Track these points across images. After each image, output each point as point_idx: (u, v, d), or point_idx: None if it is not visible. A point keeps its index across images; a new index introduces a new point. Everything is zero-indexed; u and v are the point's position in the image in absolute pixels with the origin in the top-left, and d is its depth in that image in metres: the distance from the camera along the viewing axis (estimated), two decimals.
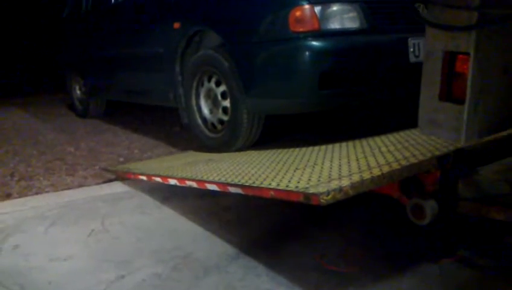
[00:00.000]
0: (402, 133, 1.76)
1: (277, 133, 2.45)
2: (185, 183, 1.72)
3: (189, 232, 1.65)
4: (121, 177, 2.29)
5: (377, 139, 1.76)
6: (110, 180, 2.33)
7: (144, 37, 3.02)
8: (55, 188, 2.26)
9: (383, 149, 1.53)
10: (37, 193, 2.20)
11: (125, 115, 4.49)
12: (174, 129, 3.54)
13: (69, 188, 2.25)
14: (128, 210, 1.89)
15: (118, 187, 2.21)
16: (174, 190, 2.09)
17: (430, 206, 1.21)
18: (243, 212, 1.80)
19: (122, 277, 1.35)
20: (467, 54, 0.98)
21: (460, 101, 1.00)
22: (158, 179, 1.90)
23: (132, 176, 2.14)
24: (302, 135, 2.32)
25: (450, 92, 1.02)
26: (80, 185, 2.28)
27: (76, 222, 1.79)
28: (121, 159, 2.71)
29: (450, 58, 1.01)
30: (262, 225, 1.69)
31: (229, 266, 1.38)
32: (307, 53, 1.89)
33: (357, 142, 1.79)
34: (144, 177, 2.02)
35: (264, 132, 2.30)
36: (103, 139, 3.38)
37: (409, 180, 1.31)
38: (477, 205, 1.20)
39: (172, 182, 1.79)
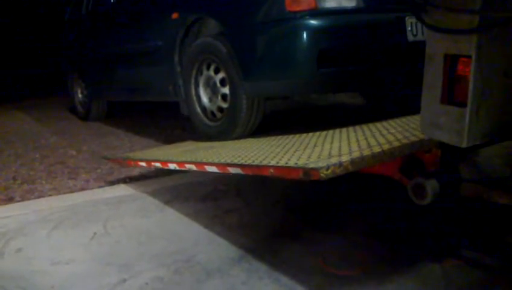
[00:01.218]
0: (403, 119, 1.76)
1: (276, 125, 2.45)
2: (184, 166, 1.72)
3: (191, 235, 1.65)
4: (121, 165, 2.30)
5: (378, 124, 1.76)
6: (112, 183, 2.34)
7: (143, 31, 3.05)
8: (58, 191, 2.27)
9: (384, 132, 1.53)
10: (39, 197, 2.20)
11: (127, 118, 4.50)
12: (175, 132, 3.55)
13: (71, 192, 2.25)
14: (131, 213, 1.90)
15: (120, 190, 2.21)
16: (176, 193, 2.10)
17: (431, 186, 1.21)
18: (245, 215, 1.80)
19: (124, 280, 1.35)
20: (469, 57, 0.98)
21: (462, 104, 1.00)
22: (158, 165, 1.91)
23: (132, 163, 2.16)
24: (301, 126, 2.32)
25: (452, 95, 1.02)
26: (82, 189, 2.28)
27: (79, 225, 1.80)
28: None
29: (452, 61, 1.01)
30: (264, 228, 1.69)
31: (231, 269, 1.38)
32: (305, 32, 1.90)
33: (357, 127, 1.78)
34: (144, 164, 2.03)
35: (262, 123, 2.31)
36: (105, 142, 3.39)
37: (410, 160, 1.31)
38: (479, 187, 1.20)
39: (172, 166, 1.80)
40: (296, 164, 1.23)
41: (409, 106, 1.87)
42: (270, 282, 1.29)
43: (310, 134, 1.85)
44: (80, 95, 4.56)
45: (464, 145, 1.00)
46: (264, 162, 1.35)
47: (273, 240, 1.59)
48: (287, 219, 1.79)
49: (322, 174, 1.08)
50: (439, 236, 1.54)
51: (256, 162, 1.38)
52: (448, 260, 1.37)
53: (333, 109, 4.10)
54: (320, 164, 1.13)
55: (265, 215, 1.81)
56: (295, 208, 1.90)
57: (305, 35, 1.89)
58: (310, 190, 2.13)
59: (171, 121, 4.05)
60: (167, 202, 1.99)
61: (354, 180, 2.16)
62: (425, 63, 1.06)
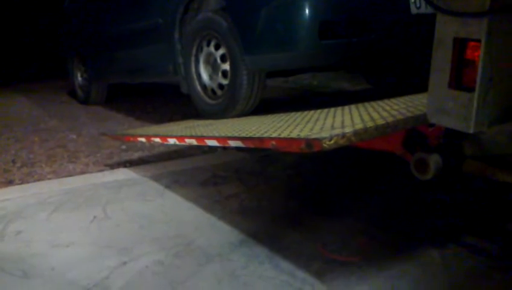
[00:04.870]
0: (406, 97, 1.74)
1: (277, 109, 2.43)
2: (184, 141, 1.71)
3: (191, 220, 1.65)
4: (120, 140, 2.29)
5: (381, 102, 1.74)
6: (112, 167, 2.33)
7: (142, 10, 3.02)
8: (57, 175, 2.26)
9: (387, 108, 1.52)
10: (38, 180, 2.19)
11: (127, 103, 4.48)
12: (176, 117, 3.52)
13: (70, 175, 2.24)
14: (131, 197, 1.89)
15: (120, 174, 2.20)
16: (176, 178, 2.09)
17: (434, 160, 1.20)
18: (246, 200, 1.80)
19: (124, 263, 1.35)
20: (478, 40, 0.95)
21: (470, 89, 0.98)
22: (157, 140, 1.90)
23: (131, 138, 2.16)
24: (303, 108, 2.30)
25: (460, 80, 1.00)
26: (82, 172, 2.27)
27: (78, 208, 1.79)
28: (123, 147, 2.70)
29: (461, 45, 0.99)
30: (265, 214, 1.69)
31: (231, 253, 1.38)
32: (306, 1, 1.87)
33: (360, 105, 1.76)
34: (143, 139, 2.03)
35: (263, 108, 2.30)
36: (105, 127, 3.37)
37: (413, 135, 1.30)
38: (483, 165, 1.18)
39: (171, 141, 1.79)
40: (298, 135, 1.21)
41: (413, 90, 1.84)
42: (270, 267, 1.29)
43: (312, 111, 1.83)
44: (79, 79, 4.53)
45: (471, 131, 0.98)
46: (266, 135, 1.33)
47: (274, 225, 1.59)
48: (288, 204, 1.78)
49: (324, 145, 1.06)
50: (439, 223, 1.54)
51: (257, 135, 1.36)
52: (448, 247, 1.36)
53: (336, 95, 4.07)
54: (323, 135, 1.11)
55: (266, 200, 1.80)
56: (296, 194, 1.89)
57: (306, 4, 1.86)
58: (312, 176, 2.12)
59: (171, 106, 4.03)
60: (167, 187, 1.98)
61: (355, 167, 2.16)
62: (433, 46, 1.03)
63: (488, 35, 0.96)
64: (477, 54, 0.96)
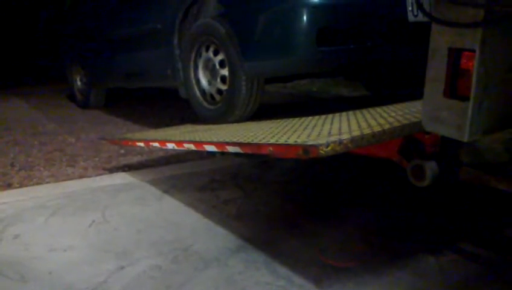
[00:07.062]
0: (403, 104, 1.76)
1: (275, 115, 2.45)
2: (182, 146, 1.72)
3: (189, 224, 1.65)
4: (118, 145, 2.30)
5: (378, 108, 1.76)
6: (111, 172, 2.33)
7: (141, 15, 3.04)
8: (56, 178, 2.26)
9: (384, 115, 1.53)
10: (37, 183, 2.20)
11: (125, 107, 4.49)
12: (174, 121, 3.54)
13: (69, 179, 2.25)
14: (129, 202, 1.89)
15: (118, 179, 2.21)
16: (174, 183, 2.09)
17: (431, 167, 1.21)
18: (243, 205, 1.81)
19: (122, 268, 1.36)
20: (473, 51, 0.97)
21: (464, 99, 0.99)
22: (156, 144, 1.91)
23: (130, 143, 2.17)
24: (301, 114, 2.32)
25: (455, 89, 1.02)
26: (81, 176, 2.28)
27: (77, 212, 1.80)
28: (122, 151, 2.71)
29: (456, 55, 1.01)
30: (262, 219, 1.69)
31: (228, 259, 1.39)
32: (304, 8, 1.90)
33: (357, 111, 1.78)
34: (142, 144, 2.03)
35: (261, 113, 2.31)
36: (104, 131, 3.38)
37: (409, 142, 1.31)
38: (478, 172, 1.20)
39: (170, 146, 1.80)
40: (296, 141, 1.22)
41: (409, 96, 1.87)
42: (267, 273, 1.30)
43: (310, 117, 1.85)
44: (79, 83, 4.54)
45: (465, 139, 1.00)
46: (263, 141, 1.34)
47: (271, 230, 1.59)
48: (286, 210, 1.79)
49: (321, 151, 1.07)
50: (436, 230, 1.55)
51: (255, 141, 1.38)
52: (446, 254, 1.37)
53: (334, 101, 4.10)
54: (319, 141, 1.12)
55: (264, 206, 1.81)
56: (294, 199, 1.90)
57: (304, 11, 1.89)
58: (309, 182, 2.13)
59: (169, 111, 4.04)
60: (165, 191, 1.99)
61: (352, 173, 2.17)
62: (428, 56, 1.05)
63: (483, 45, 0.97)
64: (472, 64, 0.98)
